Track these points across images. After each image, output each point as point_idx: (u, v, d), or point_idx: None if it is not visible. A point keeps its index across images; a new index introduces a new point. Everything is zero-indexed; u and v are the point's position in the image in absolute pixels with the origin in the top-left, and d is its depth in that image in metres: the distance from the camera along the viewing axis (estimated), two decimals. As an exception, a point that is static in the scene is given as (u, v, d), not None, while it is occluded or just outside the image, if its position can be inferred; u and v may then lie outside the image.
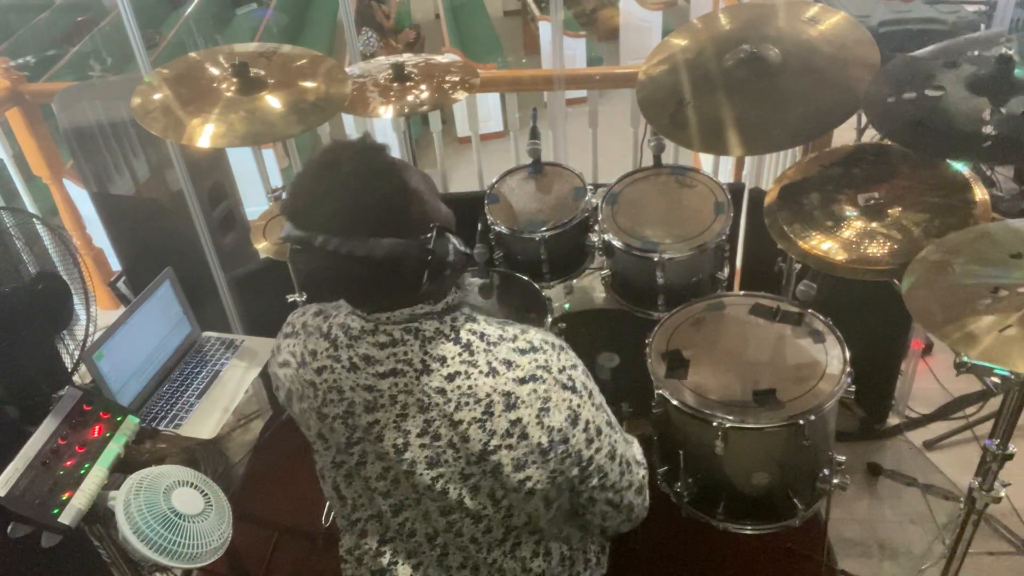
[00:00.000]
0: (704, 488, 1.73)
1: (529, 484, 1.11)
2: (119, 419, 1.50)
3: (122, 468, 1.45)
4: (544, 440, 1.09)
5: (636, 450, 1.29)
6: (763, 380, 1.62)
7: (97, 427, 1.47)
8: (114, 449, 1.45)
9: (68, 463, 1.39)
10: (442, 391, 1.08)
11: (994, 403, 2.40)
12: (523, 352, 1.11)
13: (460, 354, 1.09)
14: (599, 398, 1.17)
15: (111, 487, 1.37)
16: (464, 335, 1.11)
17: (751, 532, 1.71)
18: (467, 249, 1.13)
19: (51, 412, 1.46)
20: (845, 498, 2.25)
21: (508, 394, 1.08)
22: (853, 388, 1.60)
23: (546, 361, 1.11)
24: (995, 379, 1.45)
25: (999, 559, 2.11)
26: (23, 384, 1.65)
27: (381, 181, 1.03)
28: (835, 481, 1.64)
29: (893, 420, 2.51)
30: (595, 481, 1.17)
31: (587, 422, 1.12)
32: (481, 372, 1.08)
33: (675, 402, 1.61)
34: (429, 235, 1.05)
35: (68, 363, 1.80)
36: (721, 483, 1.70)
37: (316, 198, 1.04)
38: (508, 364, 1.09)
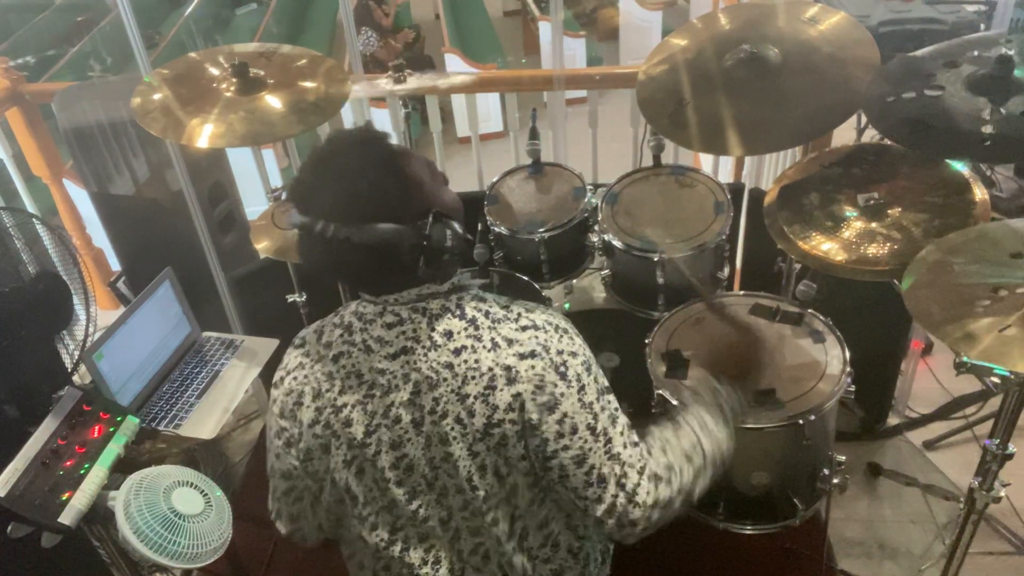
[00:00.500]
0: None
1: (529, 450, 1.13)
2: (119, 419, 1.49)
3: (122, 468, 1.45)
4: (535, 418, 1.10)
5: (637, 480, 1.12)
6: (763, 380, 1.62)
7: (97, 427, 1.47)
8: (114, 449, 1.45)
9: (68, 463, 1.39)
10: (450, 366, 1.11)
11: (994, 403, 2.39)
12: (524, 329, 1.13)
13: (466, 328, 1.13)
14: (593, 395, 1.12)
15: (111, 487, 1.37)
16: (470, 312, 1.14)
17: (751, 532, 1.71)
18: (468, 235, 1.15)
19: (51, 412, 1.46)
20: (845, 498, 2.25)
21: (509, 368, 1.10)
22: (853, 388, 1.60)
23: (546, 341, 1.13)
24: (995, 379, 1.45)
25: (999, 559, 2.11)
26: (23, 384, 1.65)
27: (377, 169, 1.07)
28: (835, 481, 1.64)
29: (893, 420, 2.51)
30: (555, 475, 1.14)
31: (564, 415, 1.10)
32: (485, 347, 1.11)
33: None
34: (426, 221, 1.08)
35: (68, 363, 1.80)
36: (721, 483, 1.70)
37: (315, 186, 1.08)
38: (509, 341, 1.12)
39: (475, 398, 1.11)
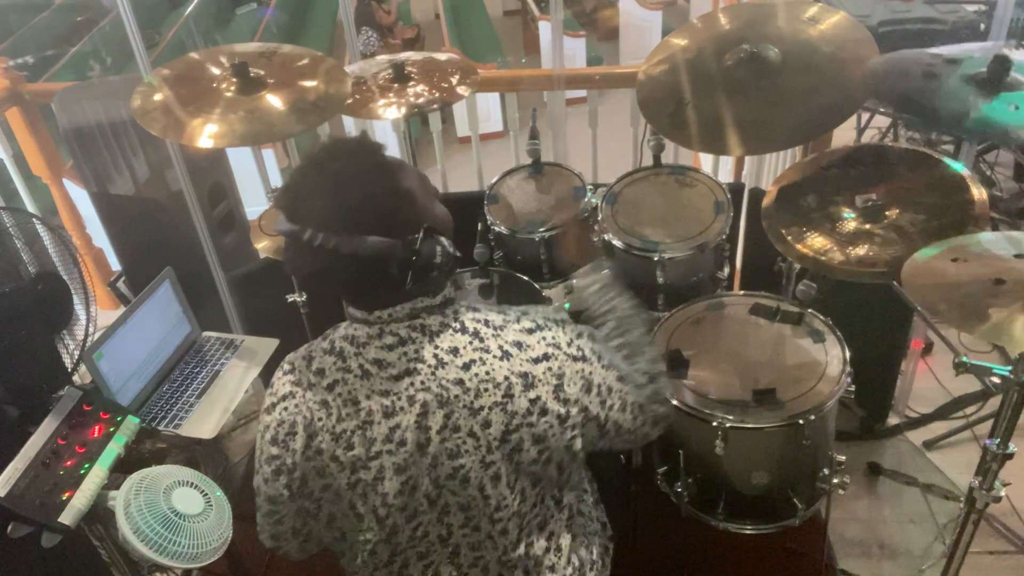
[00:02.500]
0: (704, 488, 1.73)
1: (547, 454, 1.16)
2: (119, 419, 1.50)
3: (122, 468, 1.45)
4: (562, 411, 1.14)
5: (651, 365, 1.28)
6: (763, 380, 1.62)
7: (97, 427, 1.47)
8: (114, 449, 1.45)
9: (68, 463, 1.39)
10: (460, 382, 1.11)
11: (994, 403, 2.39)
12: (530, 332, 1.15)
13: (471, 342, 1.12)
14: (607, 357, 1.21)
15: (111, 487, 1.37)
16: (470, 324, 1.14)
17: (751, 532, 1.71)
18: (457, 252, 1.14)
19: (51, 412, 1.46)
20: (845, 498, 2.25)
21: (525, 374, 1.12)
22: (853, 388, 1.60)
23: (554, 338, 1.16)
24: (995, 379, 1.44)
25: (999, 559, 2.11)
26: (23, 384, 1.65)
27: (370, 181, 1.05)
28: (835, 481, 1.64)
29: (893, 420, 2.51)
30: (613, 433, 1.22)
31: (599, 386, 1.18)
32: (495, 357, 1.12)
33: (675, 402, 1.61)
34: (416, 236, 1.07)
35: (68, 363, 1.79)
36: (721, 483, 1.70)
37: (306, 193, 1.06)
38: (519, 345, 1.13)
39: (490, 408, 1.11)
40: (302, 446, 1.16)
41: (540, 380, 1.12)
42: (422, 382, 1.11)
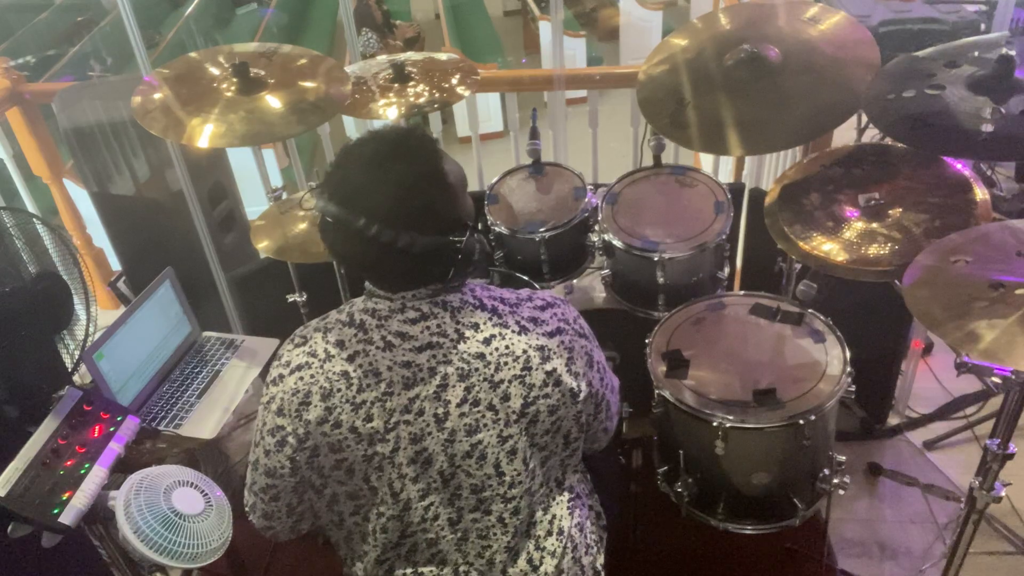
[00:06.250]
0: (704, 488, 1.73)
1: (558, 424, 1.22)
2: (119, 419, 1.49)
3: (122, 468, 1.44)
4: (574, 384, 1.20)
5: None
6: (763, 380, 1.62)
7: (97, 427, 1.47)
8: (114, 449, 1.45)
9: (68, 463, 1.39)
10: (481, 355, 1.15)
11: (994, 403, 2.40)
12: (543, 309, 1.22)
13: (490, 318, 1.17)
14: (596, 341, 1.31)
15: (111, 487, 1.37)
16: (488, 302, 1.20)
17: (751, 532, 1.71)
18: (489, 248, 1.19)
19: (51, 412, 1.46)
20: (845, 498, 2.25)
21: (542, 347, 1.17)
22: (853, 388, 1.60)
23: (563, 314, 1.24)
24: (995, 379, 1.45)
25: (999, 559, 2.10)
26: (23, 384, 1.65)
27: (430, 183, 1.10)
28: (835, 481, 1.64)
29: (893, 420, 2.51)
30: (603, 414, 1.32)
31: (598, 363, 1.28)
32: (513, 331, 1.17)
33: (675, 402, 1.61)
34: (463, 234, 1.12)
35: (68, 363, 1.79)
36: (721, 483, 1.70)
37: (365, 186, 1.09)
38: (534, 321, 1.19)
39: (510, 382, 1.15)
40: (318, 417, 1.15)
41: (555, 352, 1.18)
42: (444, 355, 1.15)
